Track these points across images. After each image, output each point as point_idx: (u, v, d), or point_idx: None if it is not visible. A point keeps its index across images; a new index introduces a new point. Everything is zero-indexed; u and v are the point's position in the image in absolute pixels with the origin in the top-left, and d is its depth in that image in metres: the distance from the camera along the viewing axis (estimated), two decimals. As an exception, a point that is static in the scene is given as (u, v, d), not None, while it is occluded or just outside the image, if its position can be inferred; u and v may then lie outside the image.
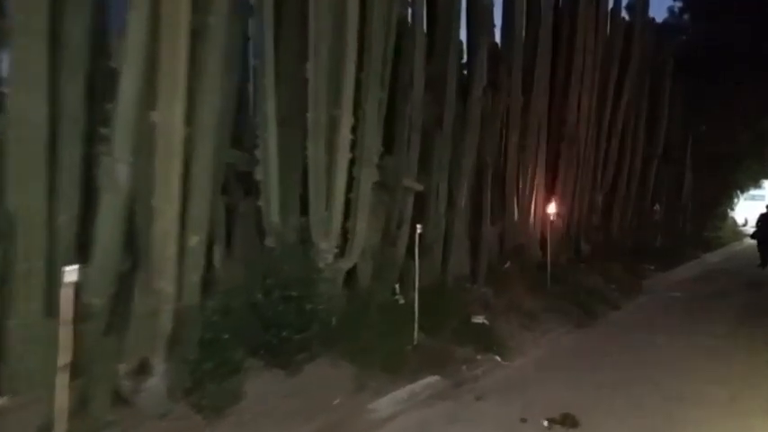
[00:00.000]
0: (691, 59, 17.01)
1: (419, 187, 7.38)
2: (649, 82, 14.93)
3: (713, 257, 18.25)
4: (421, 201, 7.71)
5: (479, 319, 7.43)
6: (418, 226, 6.57)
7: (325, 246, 5.38)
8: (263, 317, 4.64)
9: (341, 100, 5.34)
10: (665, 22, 19.82)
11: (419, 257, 6.56)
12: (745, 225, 26.49)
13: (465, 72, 8.85)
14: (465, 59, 8.98)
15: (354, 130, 5.61)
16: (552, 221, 10.35)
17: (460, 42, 8.56)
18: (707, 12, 19.00)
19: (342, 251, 5.76)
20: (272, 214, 5.06)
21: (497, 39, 10.06)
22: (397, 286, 6.98)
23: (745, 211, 27.61)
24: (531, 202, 10.27)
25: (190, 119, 4.08)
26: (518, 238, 9.96)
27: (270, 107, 4.95)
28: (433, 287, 7.59)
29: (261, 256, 4.96)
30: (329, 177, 5.37)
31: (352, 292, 6.08)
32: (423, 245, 7.49)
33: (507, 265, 9.52)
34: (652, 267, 13.39)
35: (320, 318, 4.99)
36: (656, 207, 16.46)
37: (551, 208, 10.17)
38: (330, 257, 5.48)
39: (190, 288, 4.20)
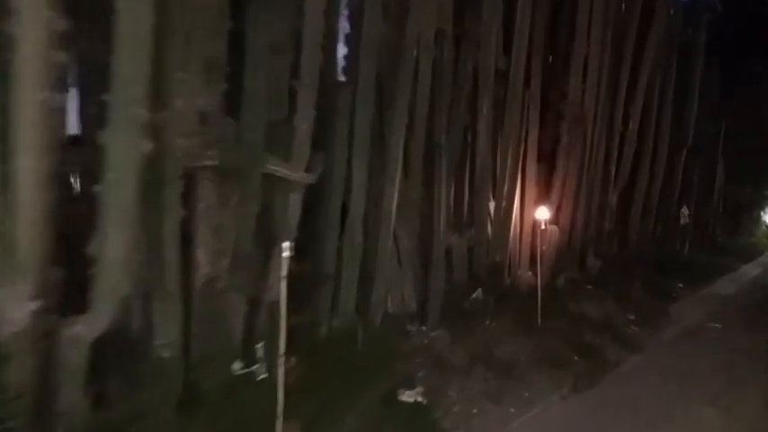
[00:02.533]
0: (723, 37, 14.92)
1: (305, 178, 4.45)
2: (678, 57, 13.22)
3: (753, 269, 15.93)
4: (319, 200, 4.86)
5: (410, 396, 4.72)
6: (286, 244, 3.67)
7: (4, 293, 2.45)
8: None
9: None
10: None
11: (301, 294, 4.29)
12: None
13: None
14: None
15: (83, 49, 2.66)
16: (545, 230, 7.74)
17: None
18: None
19: (73, 299, 2.81)
20: None
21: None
22: (258, 348, 4.11)
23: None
24: (513, 202, 7.71)
25: None
26: (495, 253, 7.53)
27: None
28: (338, 341, 4.77)
29: None
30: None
31: (140, 374, 3.17)
32: (319, 272, 4.67)
33: (477, 293, 7.05)
34: (681, 285, 11.42)
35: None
36: (684, 209, 14.40)
37: (542, 212, 7.33)
38: (22, 316, 2.50)
39: None
